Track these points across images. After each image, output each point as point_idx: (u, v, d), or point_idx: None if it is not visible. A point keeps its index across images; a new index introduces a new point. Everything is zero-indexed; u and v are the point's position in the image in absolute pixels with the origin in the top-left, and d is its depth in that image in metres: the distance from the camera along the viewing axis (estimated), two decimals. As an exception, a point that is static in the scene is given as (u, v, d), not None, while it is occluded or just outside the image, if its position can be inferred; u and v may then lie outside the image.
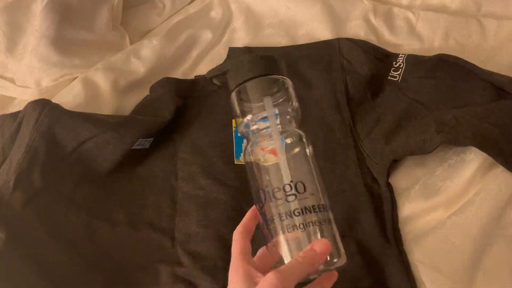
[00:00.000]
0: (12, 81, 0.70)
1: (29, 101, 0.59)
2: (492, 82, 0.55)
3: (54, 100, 0.60)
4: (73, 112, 0.58)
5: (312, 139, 0.39)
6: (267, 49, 0.69)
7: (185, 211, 0.57)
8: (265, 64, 0.38)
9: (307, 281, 0.37)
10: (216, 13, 0.76)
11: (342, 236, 0.50)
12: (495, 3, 0.67)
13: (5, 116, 0.62)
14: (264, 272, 0.33)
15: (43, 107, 0.57)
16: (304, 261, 0.33)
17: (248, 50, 0.70)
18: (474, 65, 0.57)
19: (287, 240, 0.35)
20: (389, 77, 0.62)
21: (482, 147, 0.49)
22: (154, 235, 0.55)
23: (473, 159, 0.52)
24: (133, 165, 0.61)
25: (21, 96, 0.70)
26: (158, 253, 0.54)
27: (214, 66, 0.70)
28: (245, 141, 0.37)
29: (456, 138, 0.50)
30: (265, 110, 0.37)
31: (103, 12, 0.71)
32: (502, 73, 0.57)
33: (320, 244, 0.33)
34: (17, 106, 0.69)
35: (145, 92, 0.68)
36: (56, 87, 0.68)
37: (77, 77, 0.68)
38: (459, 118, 0.52)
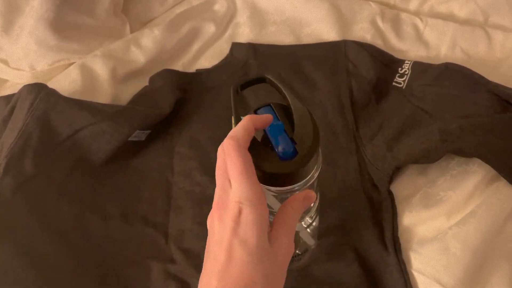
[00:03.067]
0: (5, 62, 0.67)
1: (22, 84, 0.57)
2: (498, 94, 0.55)
3: (49, 85, 0.58)
4: (70, 98, 0.56)
5: None
6: (271, 47, 0.68)
7: (180, 207, 0.55)
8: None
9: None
10: (220, 7, 0.74)
11: (340, 244, 0.50)
12: (503, 15, 0.66)
13: (-2, 98, 0.59)
14: None
15: (39, 92, 0.55)
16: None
17: (251, 46, 0.68)
18: (480, 76, 0.57)
19: None
20: (393, 83, 0.61)
21: (486, 159, 0.48)
22: (147, 230, 0.54)
23: (477, 171, 0.51)
24: (129, 158, 0.59)
25: (14, 79, 0.67)
26: (150, 249, 0.53)
27: (215, 60, 0.70)
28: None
29: (461, 148, 0.50)
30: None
31: (105, -3, 0.69)
32: (508, 85, 0.56)
33: None
34: (9, 89, 0.67)
35: (144, 82, 0.66)
36: (51, 71, 0.66)
37: (74, 62, 0.66)
38: (464, 128, 0.52)
